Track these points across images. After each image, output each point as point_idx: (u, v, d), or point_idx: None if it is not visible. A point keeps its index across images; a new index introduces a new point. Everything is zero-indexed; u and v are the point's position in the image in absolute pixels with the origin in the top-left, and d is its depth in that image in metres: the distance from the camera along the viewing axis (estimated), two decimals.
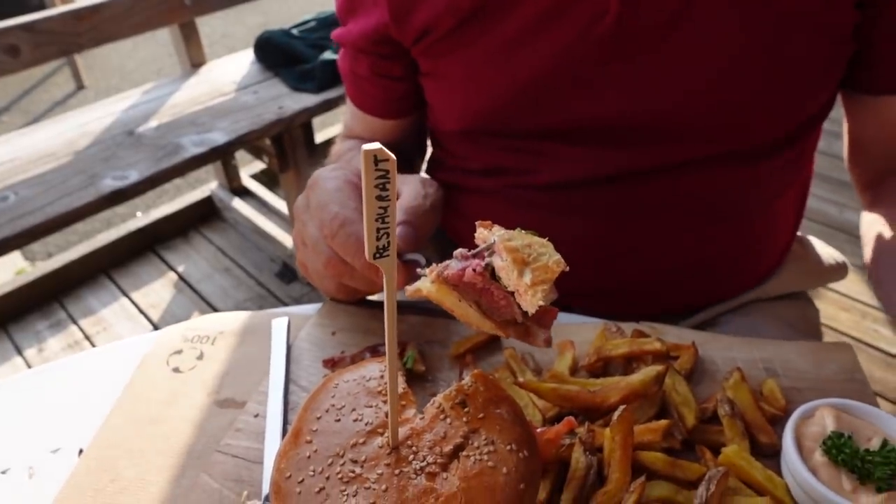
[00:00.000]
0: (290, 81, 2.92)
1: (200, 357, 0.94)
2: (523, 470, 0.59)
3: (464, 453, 0.59)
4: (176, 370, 0.92)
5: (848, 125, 1.08)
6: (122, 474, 0.79)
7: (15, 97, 5.24)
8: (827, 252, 1.25)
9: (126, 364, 0.93)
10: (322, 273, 0.87)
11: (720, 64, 0.89)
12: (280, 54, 3.02)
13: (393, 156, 0.42)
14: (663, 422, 0.73)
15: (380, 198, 0.43)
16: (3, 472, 0.81)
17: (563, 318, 0.81)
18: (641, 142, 0.96)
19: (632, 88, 0.91)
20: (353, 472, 0.58)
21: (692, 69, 0.89)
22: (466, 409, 0.63)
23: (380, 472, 0.58)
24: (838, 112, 1.08)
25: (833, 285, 2.94)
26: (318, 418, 0.64)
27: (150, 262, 3.42)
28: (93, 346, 2.91)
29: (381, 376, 0.67)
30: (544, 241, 0.61)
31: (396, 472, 0.58)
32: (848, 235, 3.21)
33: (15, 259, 3.45)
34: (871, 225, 1.02)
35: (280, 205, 3.48)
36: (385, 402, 0.64)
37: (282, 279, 3.26)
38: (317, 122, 3.19)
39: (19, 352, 2.94)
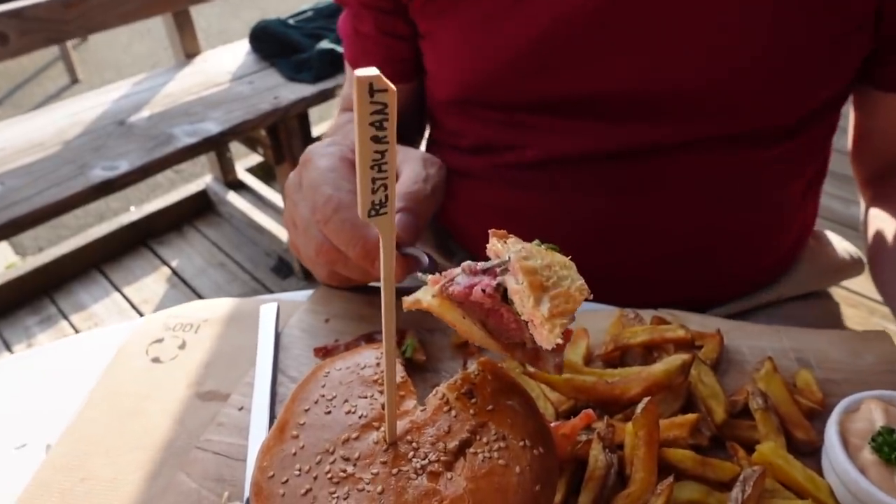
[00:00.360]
0: (286, 71, 2.86)
1: (182, 346, 0.87)
2: (538, 469, 0.52)
3: (471, 450, 0.52)
4: (156, 360, 0.85)
5: (856, 119, 1.06)
6: (93, 473, 0.72)
7: (8, 91, 5.17)
8: (843, 247, 1.21)
9: (102, 354, 0.86)
10: (313, 259, 0.80)
11: (720, 41, 0.85)
12: (276, 44, 2.96)
13: (392, 86, 0.34)
14: (691, 416, 0.66)
15: (376, 139, 0.35)
16: None
17: None
18: (636, 117, 0.91)
19: (629, 59, 0.87)
20: (344, 471, 0.51)
21: (691, 43, 0.85)
22: (473, 401, 0.56)
23: (375, 471, 0.51)
24: (845, 106, 1.05)
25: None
26: (307, 410, 0.57)
27: (144, 256, 3.35)
28: None
29: (378, 363, 0.60)
30: (566, 260, 0.53)
31: (394, 471, 0.51)
32: (854, 231, 3.14)
33: (5, 253, 3.38)
34: (875, 221, 0.99)
35: (276, 198, 3.41)
36: (381, 392, 0.57)
37: (277, 274, 3.20)
38: (314, 113, 3.12)
39: (8, 348, 2.87)
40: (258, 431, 0.72)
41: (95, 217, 3.62)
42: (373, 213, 0.39)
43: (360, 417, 0.55)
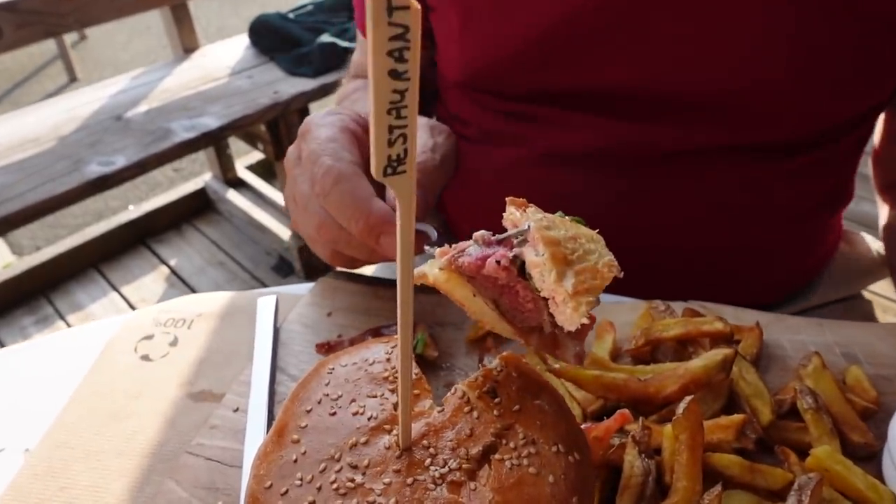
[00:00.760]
0: (286, 66, 2.82)
1: (174, 343, 0.80)
2: (574, 478, 0.45)
3: (496, 456, 0.46)
4: (145, 358, 0.79)
5: (885, 122, 0.99)
6: (75, 480, 0.66)
7: (7, 90, 5.12)
8: (876, 247, 1.14)
9: (87, 352, 0.80)
10: (314, 238, 0.73)
11: (740, 46, 0.79)
12: (276, 38, 2.92)
13: (416, 3, 0.27)
14: (737, 416, 0.59)
15: (395, 74, 0.27)
16: None
17: None
18: (640, 116, 0.86)
19: (634, 58, 0.82)
20: (352, 480, 0.45)
21: (707, 46, 0.80)
22: (497, 400, 0.49)
23: (387, 480, 0.44)
24: None
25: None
26: (308, 411, 0.51)
27: (142, 255, 3.29)
28: None
29: (388, 359, 0.53)
30: (594, 234, 0.47)
31: (409, 480, 0.44)
32: (865, 227, 3.07)
33: (2, 253, 3.33)
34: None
35: (276, 196, 3.35)
36: (393, 390, 0.51)
37: (278, 273, 3.14)
38: (314, 108, 3.06)
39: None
40: (255, 435, 0.66)
41: (93, 216, 3.57)
42: (389, 170, 0.31)
43: (369, 419, 0.49)
